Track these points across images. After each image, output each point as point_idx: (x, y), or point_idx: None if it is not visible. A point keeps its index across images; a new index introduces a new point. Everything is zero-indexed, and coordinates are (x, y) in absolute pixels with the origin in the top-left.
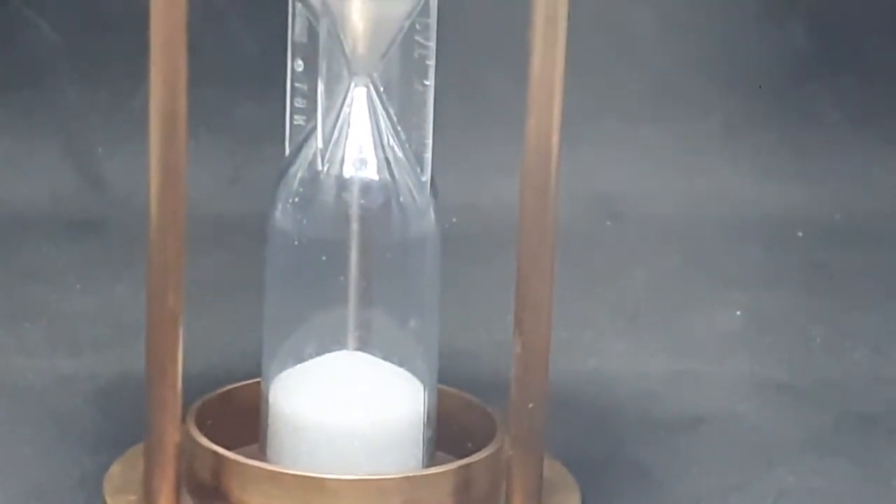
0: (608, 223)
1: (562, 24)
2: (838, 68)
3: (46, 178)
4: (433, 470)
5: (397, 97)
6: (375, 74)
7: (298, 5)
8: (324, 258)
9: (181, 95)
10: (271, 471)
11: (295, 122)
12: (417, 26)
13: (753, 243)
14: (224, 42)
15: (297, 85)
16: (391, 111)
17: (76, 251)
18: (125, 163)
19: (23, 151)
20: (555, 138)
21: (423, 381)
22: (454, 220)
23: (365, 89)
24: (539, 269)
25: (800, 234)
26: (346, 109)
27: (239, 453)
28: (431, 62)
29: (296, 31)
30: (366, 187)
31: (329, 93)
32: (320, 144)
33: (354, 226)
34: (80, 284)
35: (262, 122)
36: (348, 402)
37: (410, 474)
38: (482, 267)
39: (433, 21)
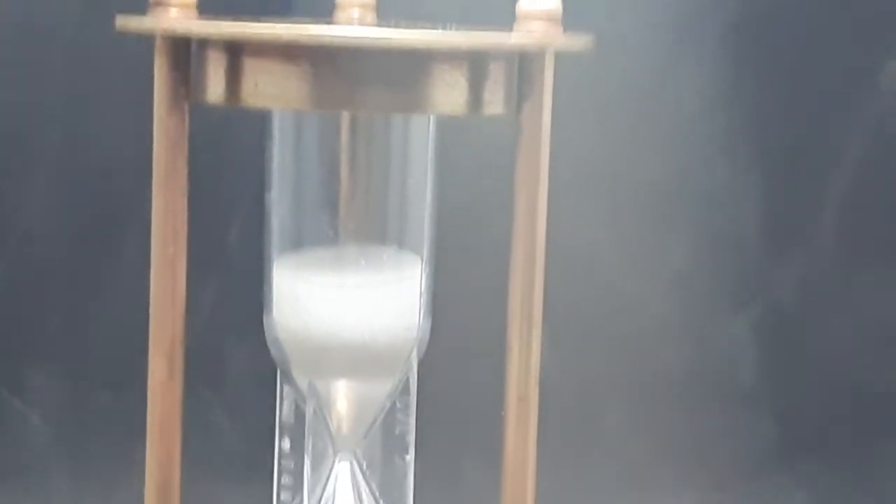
0: None
1: (533, 403)
2: (802, 457)
3: None
4: None
5: (379, 472)
6: (358, 450)
7: (286, 387)
8: None
9: (174, 476)
10: None
11: (282, 499)
12: (398, 404)
13: None
14: (209, 433)
15: (284, 463)
16: (373, 485)
17: None
18: None
19: None
20: None
21: None
22: None
23: (349, 465)
24: None
25: None
26: (330, 484)
27: None
28: (412, 438)
29: (283, 412)
30: None
31: (315, 469)
32: None
33: None
34: None
35: None
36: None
37: None
38: None
39: (413, 399)
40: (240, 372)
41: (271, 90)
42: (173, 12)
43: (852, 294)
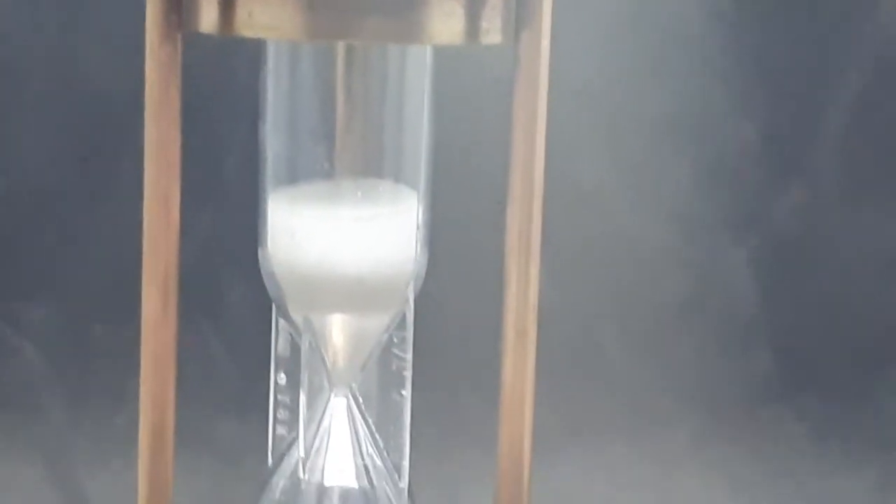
0: None
1: (531, 336)
2: (801, 388)
3: (29, 500)
4: None
5: (376, 407)
6: (355, 385)
7: (281, 322)
8: None
9: (169, 410)
10: None
11: (277, 433)
12: (395, 339)
13: None
14: (206, 364)
15: (279, 397)
16: (370, 420)
17: None
18: (108, 482)
19: (5, 473)
20: (526, 449)
21: None
22: None
23: (345, 400)
24: None
25: None
26: (326, 419)
27: None
28: (408, 373)
29: (279, 346)
30: (345, 494)
31: (310, 404)
32: (302, 454)
33: None
34: None
35: (242, 441)
36: None
37: None
38: None
39: (410, 334)
40: (236, 303)
41: (265, 20)
42: None
43: (851, 224)
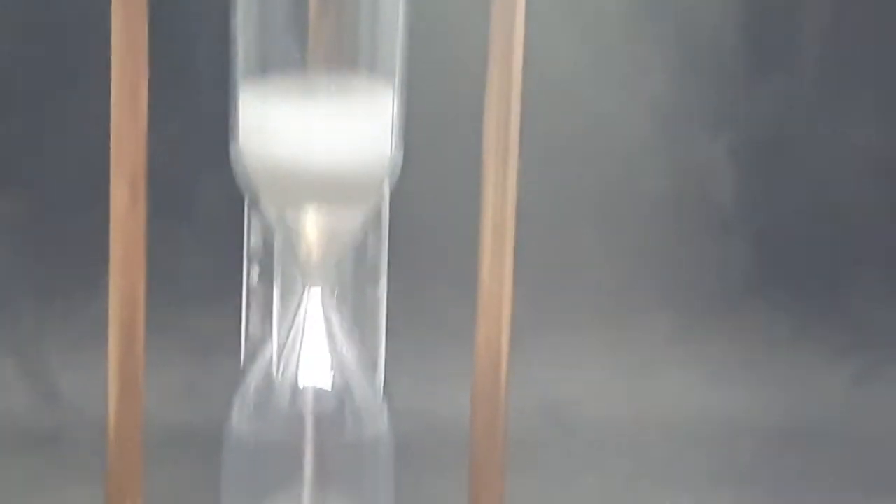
0: (558, 430)
1: (509, 231)
2: (778, 282)
3: None
4: None
5: (350, 303)
6: (329, 281)
7: (254, 216)
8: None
9: (139, 306)
10: None
11: (250, 330)
12: (370, 235)
13: (700, 447)
14: (177, 259)
15: (252, 292)
16: (344, 316)
17: (32, 465)
18: (79, 374)
19: None
20: (504, 347)
21: None
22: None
23: (318, 296)
24: (490, 478)
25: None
26: (300, 315)
27: None
28: (384, 269)
29: (251, 240)
30: (320, 391)
31: (284, 300)
32: (275, 350)
33: (309, 429)
34: (37, 498)
35: (215, 337)
36: None
37: None
38: (434, 474)
39: (385, 230)
40: (208, 197)
41: None
42: None
43: (831, 119)
